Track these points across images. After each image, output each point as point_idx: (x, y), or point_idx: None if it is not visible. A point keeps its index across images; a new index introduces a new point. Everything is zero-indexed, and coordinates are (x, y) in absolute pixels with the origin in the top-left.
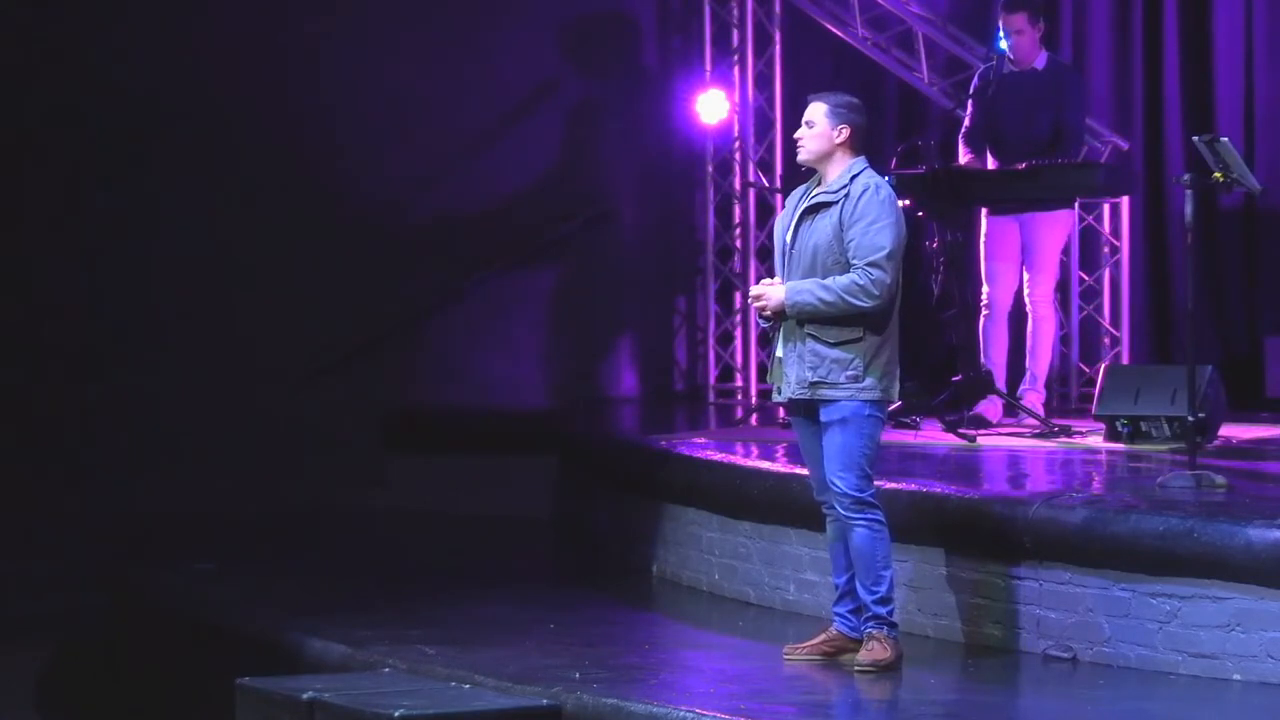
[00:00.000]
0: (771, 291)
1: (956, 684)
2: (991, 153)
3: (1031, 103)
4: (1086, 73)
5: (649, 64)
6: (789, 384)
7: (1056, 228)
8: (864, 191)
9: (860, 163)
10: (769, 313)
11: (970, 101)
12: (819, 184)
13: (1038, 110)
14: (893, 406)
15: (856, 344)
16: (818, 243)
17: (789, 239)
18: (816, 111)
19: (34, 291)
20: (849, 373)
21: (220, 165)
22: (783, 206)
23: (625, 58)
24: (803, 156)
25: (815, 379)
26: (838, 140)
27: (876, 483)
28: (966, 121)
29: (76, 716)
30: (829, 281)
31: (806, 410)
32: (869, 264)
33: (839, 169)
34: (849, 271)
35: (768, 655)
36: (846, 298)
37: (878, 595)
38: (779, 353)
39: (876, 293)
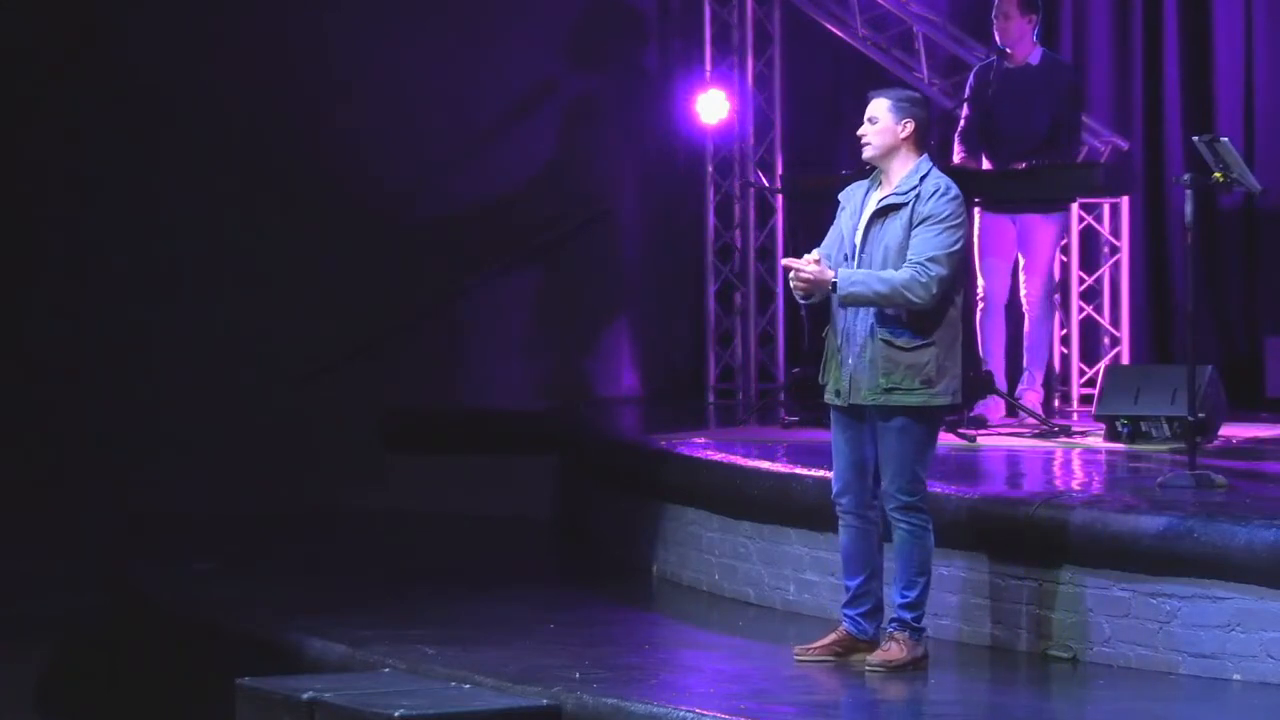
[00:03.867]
0: (821, 275)
1: (957, 684)
2: (986, 151)
3: (1028, 99)
4: (1086, 72)
5: (649, 64)
6: (859, 389)
7: (1051, 229)
8: (935, 192)
9: (926, 162)
10: (808, 291)
11: (966, 101)
12: (879, 184)
13: (1035, 107)
14: None
15: (929, 348)
16: (889, 244)
17: (858, 241)
18: (879, 107)
19: (34, 291)
20: (921, 378)
21: (220, 165)
22: (783, 207)
23: (625, 57)
24: (868, 153)
25: (889, 385)
26: (902, 135)
27: None
28: (962, 122)
29: (76, 716)
30: (886, 274)
31: (859, 411)
32: (930, 259)
33: (905, 167)
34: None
35: (768, 655)
36: (904, 292)
37: (907, 600)
38: (848, 358)
39: (935, 289)
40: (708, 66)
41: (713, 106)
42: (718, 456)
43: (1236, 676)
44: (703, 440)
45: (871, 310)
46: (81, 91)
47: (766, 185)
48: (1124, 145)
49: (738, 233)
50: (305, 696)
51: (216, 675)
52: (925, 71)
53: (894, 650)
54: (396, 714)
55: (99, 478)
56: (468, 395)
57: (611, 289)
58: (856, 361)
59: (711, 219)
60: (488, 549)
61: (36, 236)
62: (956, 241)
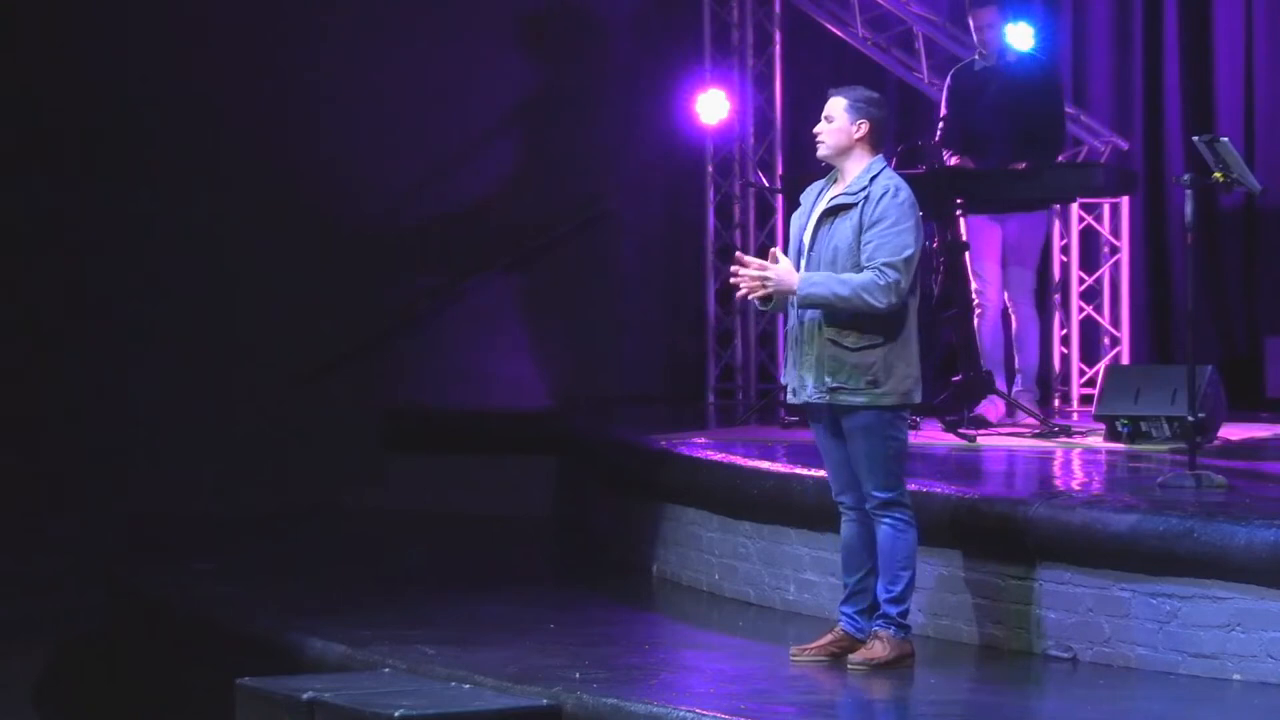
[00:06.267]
0: (784, 276)
1: (957, 684)
2: (969, 151)
3: (1007, 97)
4: (1086, 72)
5: (649, 64)
6: (806, 388)
7: (1035, 228)
8: (884, 193)
9: (879, 162)
10: (766, 294)
11: (945, 103)
12: (834, 182)
13: (1014, 106)
14: None
15: (875, 349)
16: (838, 245)
17: (806, 240)
18: (836, 106)
19: (33, 292)
20: (868, 378)
21: (220, 164)
22: (783, 207)
23: (625, 57)
24: (822, 152)
25: (835, 384)
26: (857, 135)
27: None
28: (941, 124)
29: (76, 716)
30: (846, 277)
31: (827, 412)
32: (886, 264)
33: (858, 167)
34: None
35: (768, 655)
36: (864, 295)
37: (891, 595)
38: (798, 357)
39: (893, 296)
40: (708, 66)
41: (713, 106)
42: (718, 456)
43: (1236, 676)
44: (703, 440)
45: (819, 311)
46: (81, 93)
47: (766, 185)
48: (1124, 145)
49: (738, 233)
50: (305, 696)
51: (216, 675)
52: (925, 71)
53: (877, 648)
54: (396, 714)
55: (99, 478)
56: (468, 395)
57: (611, 289)
58: (804, 360)
59: (711, 219)
60: (488, 549)
61: (36, 238)
62: (910, 245)
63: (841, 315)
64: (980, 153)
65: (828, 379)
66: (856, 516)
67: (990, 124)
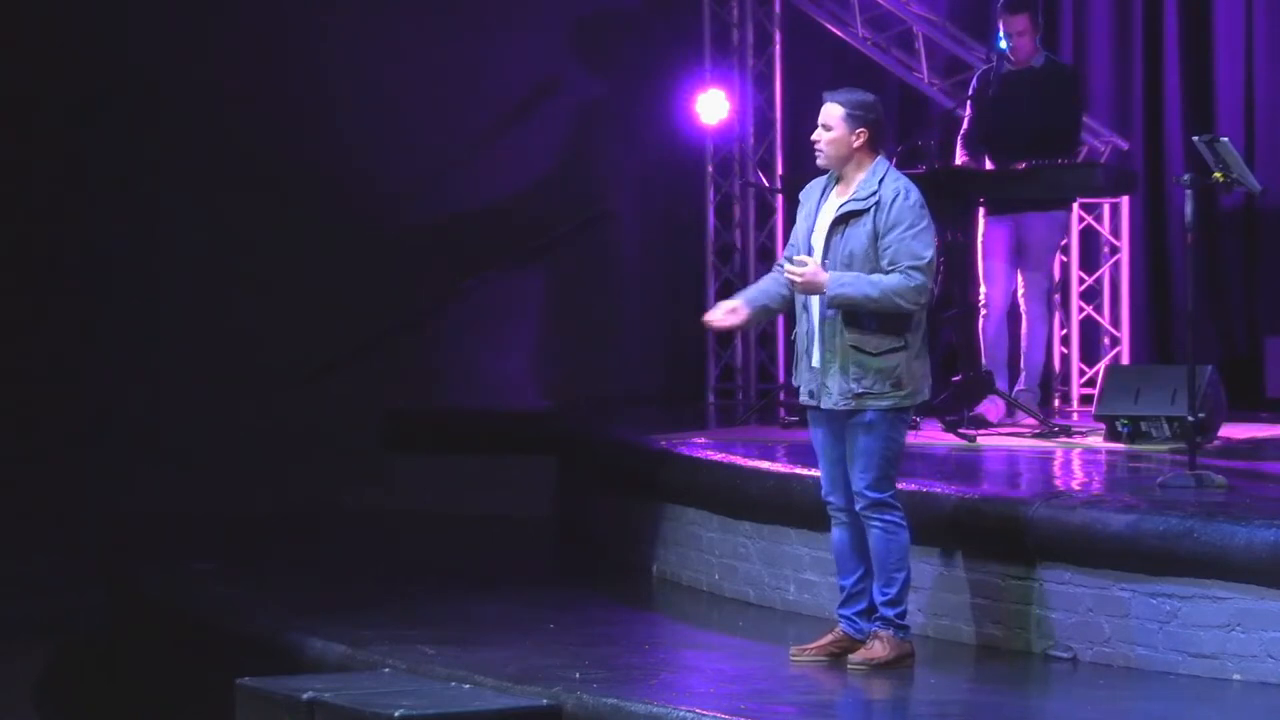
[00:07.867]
0: (813, 274)
1: (957, 684)
2: (988, 153)
3: (1028, 101)
4: (1086, 73)
5: (649, 64)
6: (830, 395)
7: (1051, 229)
8: (895, 196)
9: (883, 163)
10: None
11: (969, 104)
12: (838, 181)
13: (1034, 108)
14: None
15: (898, 353)
16: (853, 250)
17: (817, 244)
18: (832, 115)
19: (34, 290)
20: (891, 381)
21: (221, 164)
22: (783, 207)
23: (625, 57)
24: (822, 161)
25: (860, 390)
26: (856, 145)
27: None
28: (965, 124)
29: (76, 716)
30: (875, 278)
31: (833, 411)
32: (912, 268)
33: (861, 172)
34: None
35: (768, 655)
36: (895, 298)
37: (887, 596)
38: (814, 361)
39: (921, 297)
40: (708, 66)
41: (713, 106)
42: (718, 456)
43: (1236, 676)
44: (703, 440)
45: (838, 315)
46: (81, 94)
47: (766, 185)
48: (1124, 145)
49: (738, 233)
50: (305, 696)
51: (216, 675)
52: (925, 71)
53: (877, 649)
54: (396, 714)
55: (99, 478)
56: (468, 395)
57: (611, 289)
58: (826, 367)
59: (711, 219)
60: (488, 549)
61: (36, 238)
62: (929, 247)
63: (862, 319)
64: (1003, 152)
65: (854, 385)
66: (846, 519)
67: (1015, 126)
